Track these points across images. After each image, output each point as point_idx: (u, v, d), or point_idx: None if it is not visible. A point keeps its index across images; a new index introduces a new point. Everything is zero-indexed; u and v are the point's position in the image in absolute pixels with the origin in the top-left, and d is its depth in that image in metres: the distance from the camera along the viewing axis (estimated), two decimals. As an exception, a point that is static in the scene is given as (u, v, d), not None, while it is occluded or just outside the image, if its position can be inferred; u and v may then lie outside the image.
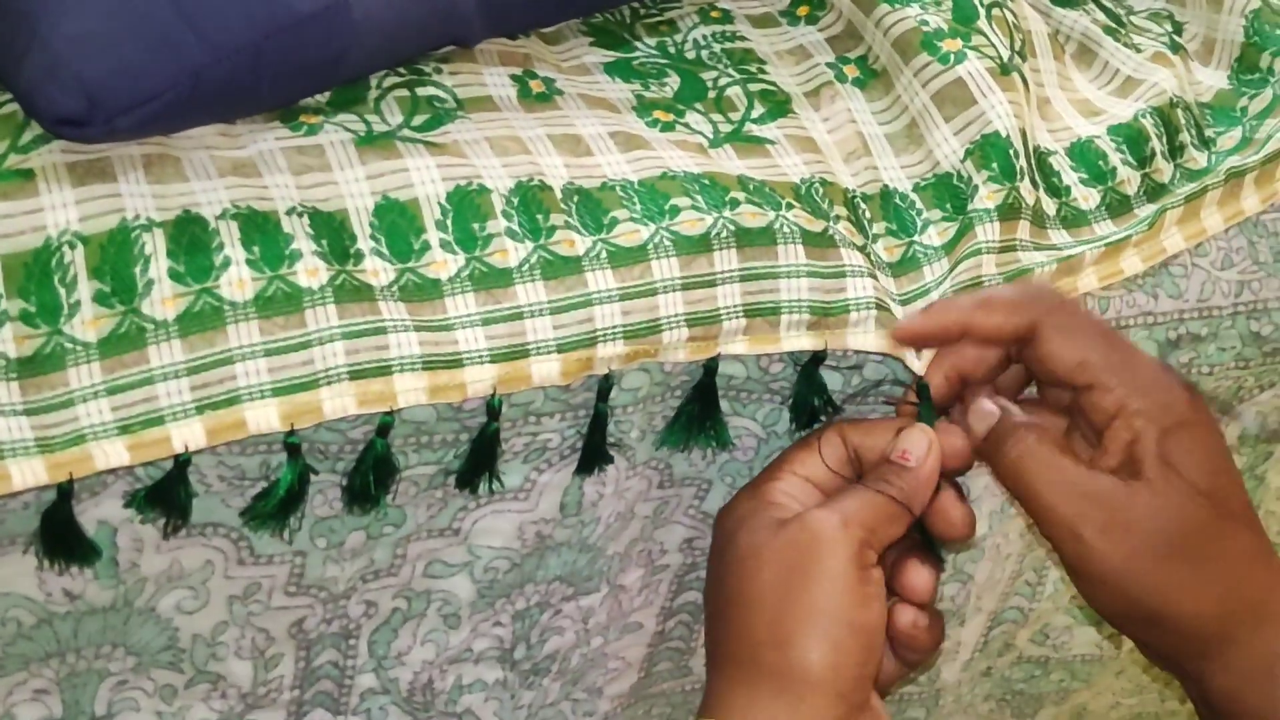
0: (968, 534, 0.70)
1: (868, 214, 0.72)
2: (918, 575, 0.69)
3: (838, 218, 0.70)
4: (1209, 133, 0.80)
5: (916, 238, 0.71)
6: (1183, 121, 0.79)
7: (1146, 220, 0.75)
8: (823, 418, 0.71)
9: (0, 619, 0.60)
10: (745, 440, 0.72)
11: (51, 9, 0.56)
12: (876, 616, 0.66)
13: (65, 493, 0.56)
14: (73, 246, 0.57)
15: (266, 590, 0.65)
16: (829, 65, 0.77)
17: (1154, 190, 0.77)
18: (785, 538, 0.65)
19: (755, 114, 0.74)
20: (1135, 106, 0.78)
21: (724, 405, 0.70)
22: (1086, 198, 0.76)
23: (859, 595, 0.65)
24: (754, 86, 0.75)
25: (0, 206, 0.56)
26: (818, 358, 0.69)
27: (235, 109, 0.62)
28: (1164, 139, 0.78)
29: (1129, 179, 0.77)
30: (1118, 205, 0.76)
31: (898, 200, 0.72)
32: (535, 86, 0.71)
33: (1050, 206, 0.74)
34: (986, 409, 0.68)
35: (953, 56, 0.73)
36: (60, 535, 0.58)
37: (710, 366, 0.67)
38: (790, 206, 0.68)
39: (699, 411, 0.69)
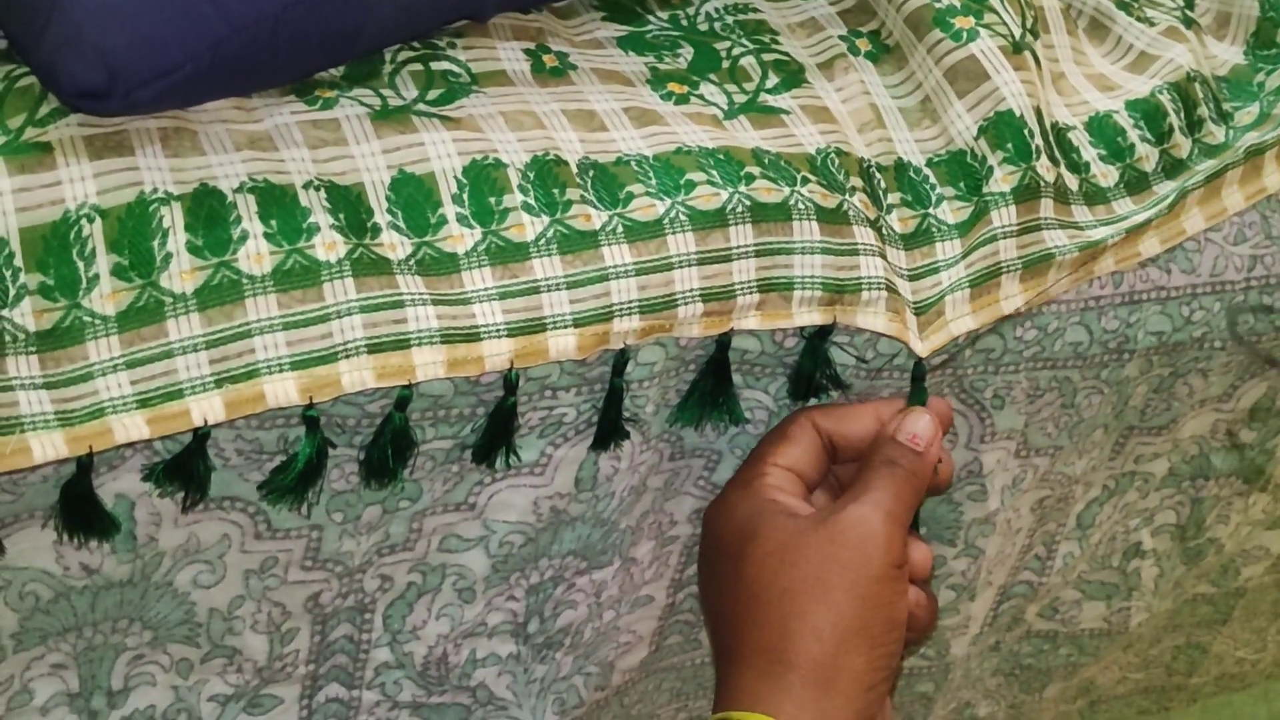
0: (950, 480, 0.72)
1: (883, 184, 0.72)
2: (918, 551, 0.70)
3: (853, 189, 0.70)
4: (1226, 107, 0.80)
5: (931, 210, 0.71)
6: (1200, 95, 0.78)
7: (1167, 201, 0.75)
8: (821, 395, 0.71)
9: (18, 593, 0.60)
10: (757, 413, 0.72)
11: (71, -20, 0.56)
12: (905, 610, 0.67)
13: (85, 466, 0.56)
14: (91, 220, 0.57)
15: (283, 564, 0.65)
16: (841, 38, 0.77)
17: (1172, 166, 0.77)
18: (825, 533, 0.65)
19: (769, 84, 0.74)
20: (1152, 83, 0.78)
21: (737, 379, 0.70)
22: (1105, 175, 0.76)
23: (898, 590, 0.66)
24: (768, 56, 0.75)
25: (18, 180, 0.56)
26: (824, 331, 0.69)
27: (252, 82, 0.62)
28: (1181, 114, 0.77)
29: (1147, 155, 0.77)
30: (1136, 182, 0.76)
31: (911, 173, 0.72)
32: (549, 61, 0.71)
33: (1072, 182, 0.74)
34: None
35: (965, 34, 0.73)
36: (79, 509, 0.58)
37: (723, 341, 0.67)
38: (805, 181, 0.68)
39: (712, 387, 0.69)
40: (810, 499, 0.70)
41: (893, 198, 0.72)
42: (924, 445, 0.68)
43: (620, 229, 0.64)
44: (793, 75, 0.74)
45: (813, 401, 0.72)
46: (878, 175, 0.72)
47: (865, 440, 0.70)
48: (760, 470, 0.69)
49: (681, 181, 0.66)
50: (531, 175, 0.64)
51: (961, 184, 0.72)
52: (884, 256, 0.69)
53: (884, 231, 0.70)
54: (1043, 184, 0.71)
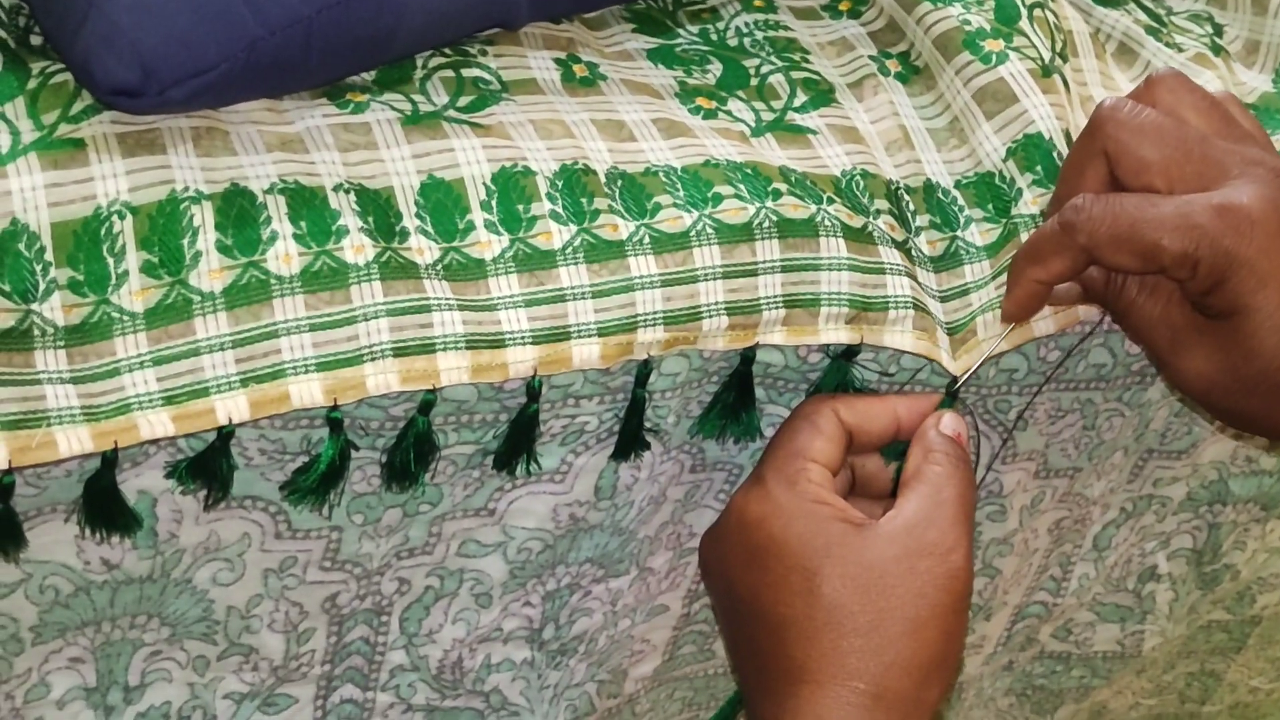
0: None
1: (911, 206, 0.71)
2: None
3: (878, 212, 0.70)
4: (1255, 135, 0.80)
5: (959, 233, 0.71)
6: (1228, 122, 0.78)
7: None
8: None
9: (39, 586, 0.61)
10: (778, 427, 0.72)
11: (108, -22, 0.57)
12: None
13: (109, 461, 0.57)
14: (122, 217, 0.57)
15: (302, 565, 0.65)
16: (872, 58, 0.77)
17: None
18: (910, 561, 0.65)
19: (797, 102, 0.74)
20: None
21: (759, 393, 0.70)
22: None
23: (968, 617, 0.69)
24: (797, 75, 0.75)
25: (51, 175, 0.57)
26: (851, 351, 0.69)
27: (285, 83, 0.63)
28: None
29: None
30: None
31: (940, 194, 0.72)
32: (579, 71, 0.71)
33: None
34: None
35: (995, 57, 0.73)
36: (102, 504, 0.58)
37: (748, 356, 0.67)
38: (831, 201, 0.68)
39: (735, 400, 0.69)
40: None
41: (921, 220, 0.72)
42: (964, 443, 0.69)
43: (647, 240, 0.64)
44: (822, 94, 0.75)
45: None
46: (906, 197, 0.72)
47: (882, 437, 0.70)
48: (801, 468, 0.68)
49: (709, 194, 0.66)
50: (560, 184, 0.64)
51: (990, 206, 0.72)
52: (912, 277, 0.69)
53: (913, 254, 0.70)
54: None
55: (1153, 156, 0.64)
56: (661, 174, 0.66)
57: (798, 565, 0.66)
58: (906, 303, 0.68)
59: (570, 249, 0.63)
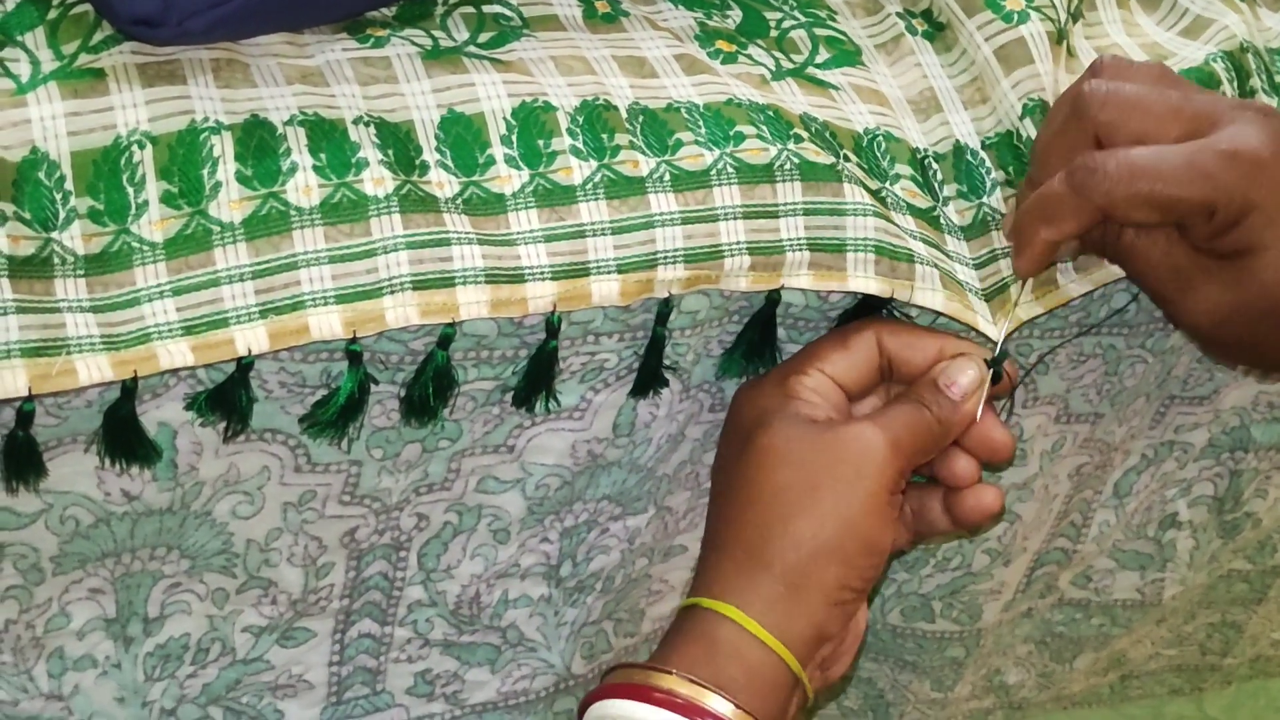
0: (1010, 456, 0.70)
1: (939, 175, 0.71)
2: (998, 432, 0.70)
3: (898, 176, 0.69)
4: (1278, 79, 0.79)
5: (985, 199, 0.71)
6: (1253, 66, 0.77)
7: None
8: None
9: (59, 517, 0.61)
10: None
11: (129, -93, 0.56)
12: (890, 541, 0.67)
13: (129, 390, 0.57)
14: (142, 146, 0.57)
15: (321, 499, 0.66)
16: (899, 16, 0.76)
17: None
18: (826, 442, 0.65)
19: (819, 59, 0.73)
20: (1205, 50, 0.78)
21: (780, 333, 0.69)
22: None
23: (885, 519, 0.66)
24: (820, 31, 0.74)
25: (71, 104, 0.57)
26: (880, 303, 0.68)
27: (304, 16, 0.62)
28: (1235, 84, 0.76)
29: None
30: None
31: (969, 157, 0.71)
32: (600, 7, 0.70)
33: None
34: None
35: (1016, 16, 0.72)
36: (122, 434, 0.58)
37: (773, 298, 0.67)
38: (847, 159, 0.68)
39: (758, 341, 0.69)
40: (852, 410, 0.69)
41: (949, 189, 0.71)
42: (959, 395, 0.68)
43: (668, 176, 0.64)
44: (847, 54, 0.74)
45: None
46: (935, 165, 0.71)
47: (923, 369, 0.69)
48: (803, 369, 0.68)
49: (731, 133, 0.66)
50: (580, 119, 0.64)
51: (1010, 168, 0.71)
52: (929, 244, 0.68)
53: (941, 222, 0.70)
54: None
55: (1146, 126, 0.65)
56: (683, 110, 0.66)
57: (738, 438, 0.68)
58: (927, 261, 0.67)
59: (590, 184, 0.63)
